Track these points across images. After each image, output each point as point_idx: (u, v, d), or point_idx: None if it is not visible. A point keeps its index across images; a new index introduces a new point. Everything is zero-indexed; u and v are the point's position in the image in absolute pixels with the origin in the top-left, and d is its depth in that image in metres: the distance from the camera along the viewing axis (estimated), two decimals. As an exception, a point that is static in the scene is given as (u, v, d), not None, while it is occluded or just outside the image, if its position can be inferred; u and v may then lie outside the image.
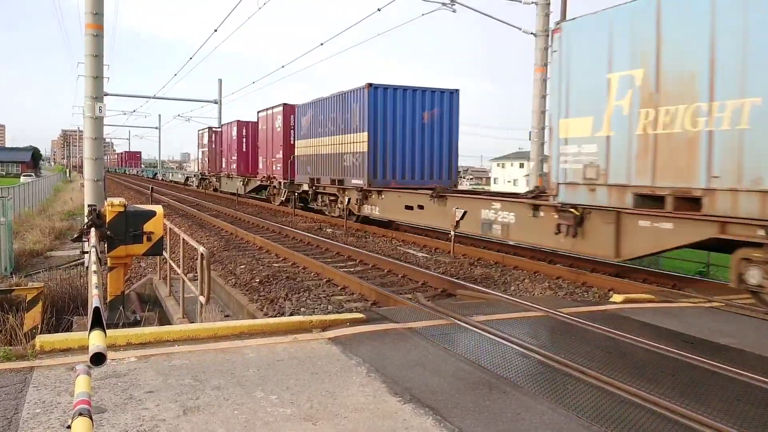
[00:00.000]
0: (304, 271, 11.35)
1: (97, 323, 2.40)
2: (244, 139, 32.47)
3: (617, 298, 8.05)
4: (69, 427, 1.81)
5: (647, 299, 8.04)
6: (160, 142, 71.21)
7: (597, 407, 4.04)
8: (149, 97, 45.92)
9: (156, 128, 79.50)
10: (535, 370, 4.81)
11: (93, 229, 7.47)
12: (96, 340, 2.27)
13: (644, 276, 10.50)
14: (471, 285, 9.24)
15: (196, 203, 29.86)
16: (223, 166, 36.02)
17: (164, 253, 9.44)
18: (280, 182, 25.95)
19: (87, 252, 12.27)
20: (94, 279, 3.63)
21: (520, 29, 18.59)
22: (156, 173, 69.08)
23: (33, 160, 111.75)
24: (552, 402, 4.11)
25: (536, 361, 5.04)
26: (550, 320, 6.53)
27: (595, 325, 6.16)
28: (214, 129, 39.79)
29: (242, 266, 11.87)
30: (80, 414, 1.83)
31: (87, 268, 12.46)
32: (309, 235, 15.77)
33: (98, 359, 2.18)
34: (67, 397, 3.93)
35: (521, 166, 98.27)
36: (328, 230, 18.15)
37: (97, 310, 2.49)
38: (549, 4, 18.05)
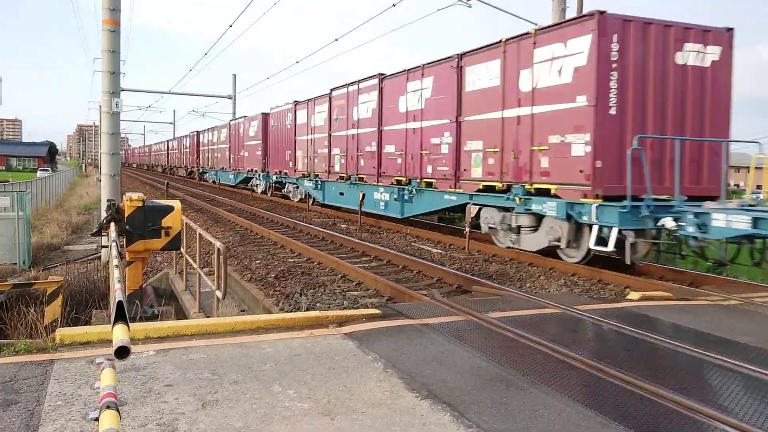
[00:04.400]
0: (318, 266, 11.38)
1: (120, 317, 2.42)
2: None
3: (634, 295, 7.99)
4: (97, 419, 1.83)
5: (664, 297, 7.98)
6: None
7: (616, 404, 4.02)
8: (164, 93, 46.10)
9: (171, 123, 79.97)
10: (553, 367, 4.79)
11: (112, 224, 7.53)
12: (120, 334, 2.29)
13: (661, 273, 10.41)
14: (486, 281, 9.22)
15: (210, 198, 30.05)
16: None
17: (181, 247, 9.51)
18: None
19: (106, 246, 12.39)
20: (116, 273, 3.66)
21: (535, 24, 18.41)
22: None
23: (49, 154, 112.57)
24: (570, 399, 4.10)
25: (553, 358, 5.02)
26: (567, 317, 6.50)
27: (612, 323, 6.13)
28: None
29: (257, 261, 11.93)
30: (107, 407, 1.85)
31: (107, 262, 12.59)
32: (323, 230, 15.81)
33: (122, 352, 2.20)
34: (87, 389, 3.98)
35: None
36: (342, 226, 18.18)
37: (120, 303, 2.52)
38: (565, -2, 17.82)
